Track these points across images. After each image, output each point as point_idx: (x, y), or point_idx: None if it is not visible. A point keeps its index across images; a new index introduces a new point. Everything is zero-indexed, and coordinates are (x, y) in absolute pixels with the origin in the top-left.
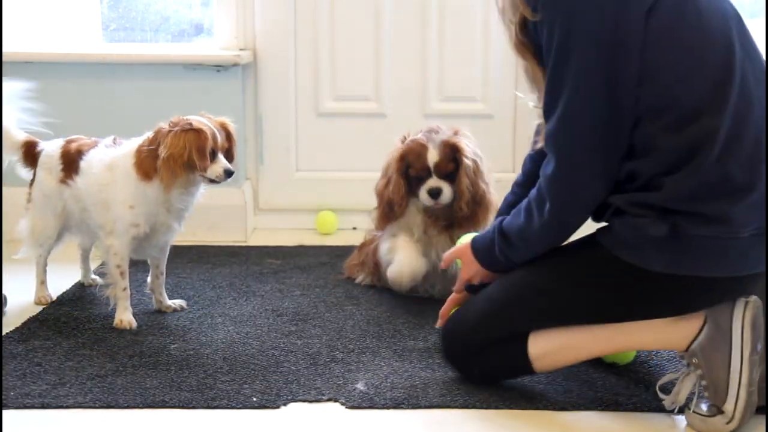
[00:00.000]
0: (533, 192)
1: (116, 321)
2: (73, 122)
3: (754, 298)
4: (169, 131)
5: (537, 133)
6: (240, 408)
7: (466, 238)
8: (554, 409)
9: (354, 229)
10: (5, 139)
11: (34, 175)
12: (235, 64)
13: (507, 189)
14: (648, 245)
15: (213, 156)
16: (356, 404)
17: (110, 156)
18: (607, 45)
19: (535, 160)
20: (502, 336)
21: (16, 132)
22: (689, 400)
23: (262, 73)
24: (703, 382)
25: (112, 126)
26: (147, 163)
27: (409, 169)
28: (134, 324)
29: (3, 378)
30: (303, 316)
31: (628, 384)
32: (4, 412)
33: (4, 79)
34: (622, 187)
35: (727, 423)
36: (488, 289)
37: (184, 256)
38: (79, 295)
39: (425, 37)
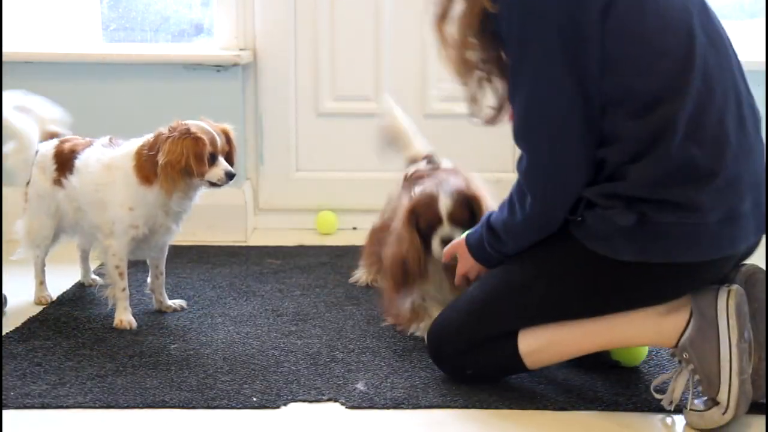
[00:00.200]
0: (514, 186)
1: (116, 321)
2: (73, 122)
3: (735, 286)
4: (168, 137)
5: None
6: (240, 408)
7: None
8: (554, 409)
9: (354, 229)
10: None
11: (30, 174)
12: (235, 64)
13: (507, 189)
14: (618, 235)
15: (213, 160)
16: (356, 404)
17: (109, 156)
18: (567, 36)
19: None
20: (489, 335)
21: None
22: (686, 398)
23: (262, 73)
24: (696, 377)
25: (112, 126)
26: (147, 167)
27: (419, 221)
28: (134, 324)
29: (3, 378)
30: (303, 316)
31: (628, 384)
32: (4, 412)
33: (5, 78)
34: (593, 178)
35: (723, 413)
36: (470, 289)
37: (184, 256)
38: (79, 295)
39: (425, 37)
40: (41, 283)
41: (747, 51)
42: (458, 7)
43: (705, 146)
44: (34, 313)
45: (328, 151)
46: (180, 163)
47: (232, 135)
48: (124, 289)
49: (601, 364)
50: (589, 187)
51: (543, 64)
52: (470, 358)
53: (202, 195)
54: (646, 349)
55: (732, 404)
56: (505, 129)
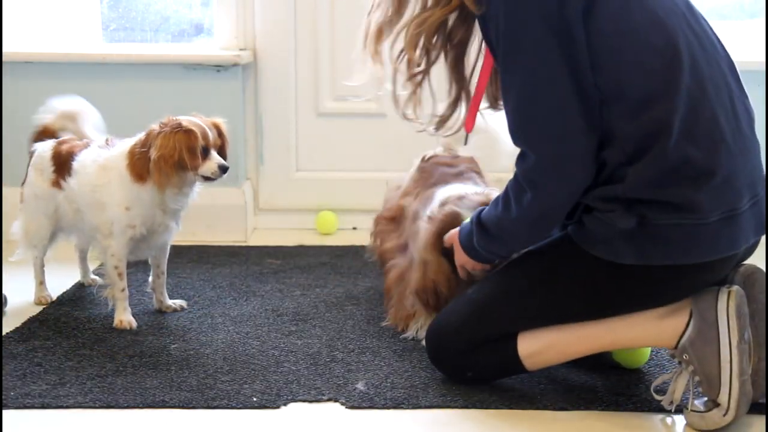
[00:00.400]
0: (510, 183)
1: (116, 321)
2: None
3: (735, 287)
4: (159, 132)
5: None
6: (240, 408)
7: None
8: (554, 409)
9: (354, 229)
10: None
11: (26, 175)
12: (235, 64)
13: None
14: (618, 238)
15: (206, 153)
16: (356, 404)
17: (104, 157)
18: (554, 31)
19: None
20: (488, 337)
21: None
22: (686, 399)
23: (262, 73)
24: (696, 378)
25: (112, 126)
26: (140, 165)
27: (445, 239)
28: (134, 324)
29: (3, 378)
30: (303, 316)
31: (628, 384)
32: (4, 412)
33: (5, 78)
34: (592, 181)
35: (724, 415)
36: (469, 291)
37: (184, 256)
38: (79, 295)
39: None
40: (41, 283)
41: (747, 51)
42: (411, 11)
43: (701, 145)
44: (34, 313)
45: (328, 151)
46: (173, 157)
47: (224, 128)
48: (123, 290)
49: (601, 365)
50: (587, 192)
51: (533, 61)
52: (469, 360)
53: (201, 194)
54: (648, 351)
55: (732, 406)
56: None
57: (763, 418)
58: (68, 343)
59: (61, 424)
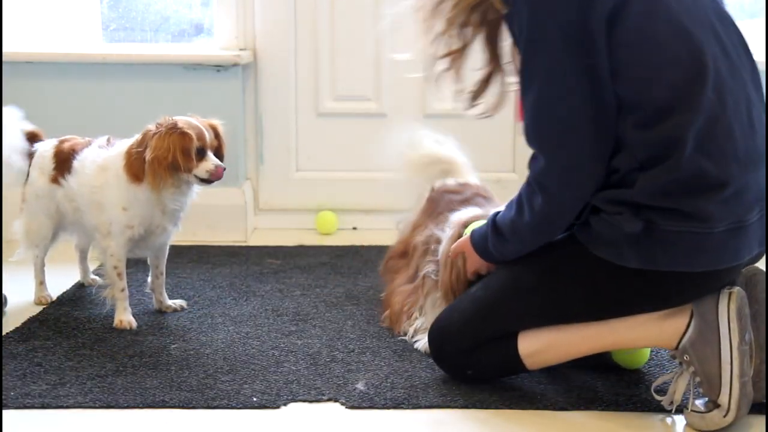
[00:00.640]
0: (524, 186)
1: (116, 321)
2: (73, 122)
3: (737, 288)
4: (155, 133)
5: None
6: (240, 408)
7: (471, 229)
8: (554, 409)
9: (354, 229)
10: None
11: (28, 174)
12: (235, 64)
13: (507, 189)
14: (624, 242)
15: (202, 154)
16: (356, 404)
17: (102, 157)
18: (577, 38)
19: None
20: (490, 336)
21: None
22: (686, 399)
23: (262, 73)
24: (697, 379)
25: (112, 126)
26: (136, 166)
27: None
28: (134, 324)
29: (3, 378)
30: (303, 316)
31: (628, 384)
32: (4, 412)
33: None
34: (603, 183)
35: (724, 416)
36: (472, 290)
37: (184, 256)
38: (79, 295)
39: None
40: (41, 283)
41: None
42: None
43: (714, 159)
44: (34, 313)
45: (328, 151)
46: (167, 159)
47: (221, 130)
48: (123, 290)
49: (601, 365)
50: (596, 192)
51: (553, 65)
52: (470, 358)
53: (201, 194)
54: (648, 352)
55: (733, 407)
56: (505, 129)
57: (763, 419)
58: (68, 343)
59: (61, 424)
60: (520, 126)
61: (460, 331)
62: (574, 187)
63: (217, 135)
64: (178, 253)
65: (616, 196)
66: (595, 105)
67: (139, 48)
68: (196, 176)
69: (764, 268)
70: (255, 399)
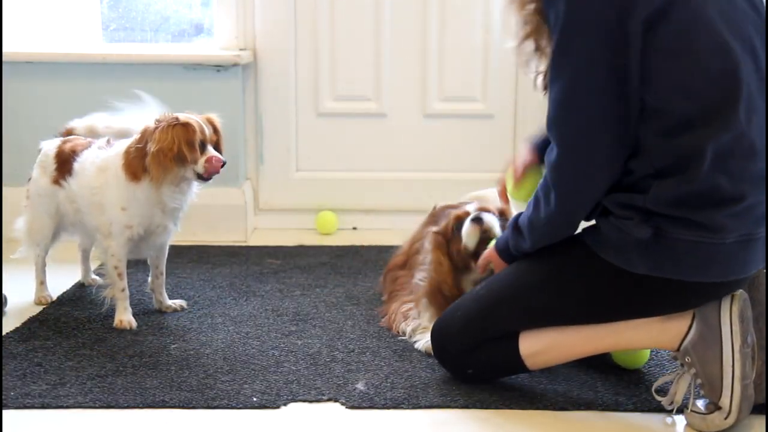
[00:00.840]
0: (541, 181)
1: (116, 321)
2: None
3: (739, 291)
4: (156, 127)
5: None
6: (240, 408)
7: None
8: (554, 409)
9: (354, 229)
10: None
11: (32, 172)
12: (235, 64)
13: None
14: (632, 247)
15: (203, 148)
16: (356, 404)
17: (101, 158)
18: (613, 36)
19: None
20: (492, 336)
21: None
22: (686, 399)
23: (262, 73)
24: (698, 380)
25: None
26: (135, 164)
27: (446, 230)
28: (134, 324)
29: (3, 378)
30: (303, 316)
31: (628, 384)
32: (4, 412)
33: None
34: (616, 184)
35: (726, 418)
36: (476, 289)
37: (184, 256)
38: (79, 295)
39: (425, 37)
40: (42, 282)
41: None
42: None
43: (732, 175)
44: (34, 313)
45: (328, 151)
46: (172, 150)
47: (218, 124)
48: (123, 290)
49: (601, 365)
50: (608, 194)
51: (581, 66)
52: (471, 357)
53: (201, 194)
54: (648, 352)
55: (734, 409)
56: (505, 129)
57: (763, 419)
58: (68, 343)
59: (61, 424)
60: (520, 126)
61: (463, 329)
62: (587, 183)
63: (215, 130)
64: (178, 253)
65: (628, 201)
66: (622, 105)
67: (139, 48)
68: (194, 171)
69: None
70: (255, 399)
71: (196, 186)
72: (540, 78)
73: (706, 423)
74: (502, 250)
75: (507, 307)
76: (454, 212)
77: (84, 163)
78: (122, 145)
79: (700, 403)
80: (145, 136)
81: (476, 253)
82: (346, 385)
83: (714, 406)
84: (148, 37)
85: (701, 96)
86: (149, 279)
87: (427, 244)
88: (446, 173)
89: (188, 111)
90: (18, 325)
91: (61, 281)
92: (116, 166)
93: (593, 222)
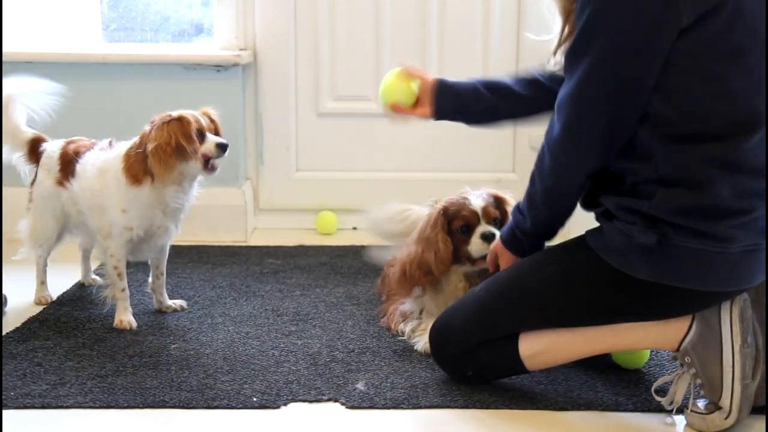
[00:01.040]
0: (536, 159)
1: (116, 321)
2: (73, 122)
3: None
4: (152, 128)
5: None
6: (240, 408)
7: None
8: (554, 409)
9: (354, 229)
10: (12, 135)
11: (36, 175)
12: (235, 64)
13: (507, 189)
14: (635, 252)
15: (202, 137)
16: (356, 404)
17: (102, 160)
18: (633, 48)
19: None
20: (492, 337)
21: (24, 128)
22: (686, 399)
23: (262, 73)
24: (698, 380)
25: (112, 126)
26: (135, 167)
27: (453, 223)
28: (134, 324)
29: (3, 378)
30: (303, 316)
31: (628, 384)
32: (4, 412)
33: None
34: (617, 185)
35: (726, 418)
36: (476, 290)
37: (184, 256)
38: (79, 295)
39: (425, 37)
40: (42, 282)
41: None
42: None
43: (739, 191)
44: (34, 313)
45: (328, 151)
46: (170, 144)
47: (214, 114)
48: (123, 290)
49: (601, 365)
50: (611, 196)
51: (601, 63)
52: (471, 358)
53: (201, 194)
54: (648, 352)
55: (734, 409)
56: (504, 130)
57: (763, 420)
58: (68, 343)
59: (61, 424)
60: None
61: (462, 331)
62: (576, 167)
63: (211, 120)
64: (178, 253)
65: (632, 205)
66: (626, 106)
67: (139, 48)
68: (201, 156)
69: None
70: (255, 399)
71: (197, 187)
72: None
73: (706, 423)
74: (508, 241)
75: (508, 309)
76: (463, 211)
77: (85, 164)
78: (122, 148)
79: (700, 403)
80: (144, 139)
81: (474, 258)
82: (346, 385)
83: (714, 406)
84: (148, 37)
85: (719, 116)
86: (149, 279)
87: (427, 220)
88: (446, 173)
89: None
90: (18, 325)
91: (61, 281)
92: (116, 169)
93: (597, 225)
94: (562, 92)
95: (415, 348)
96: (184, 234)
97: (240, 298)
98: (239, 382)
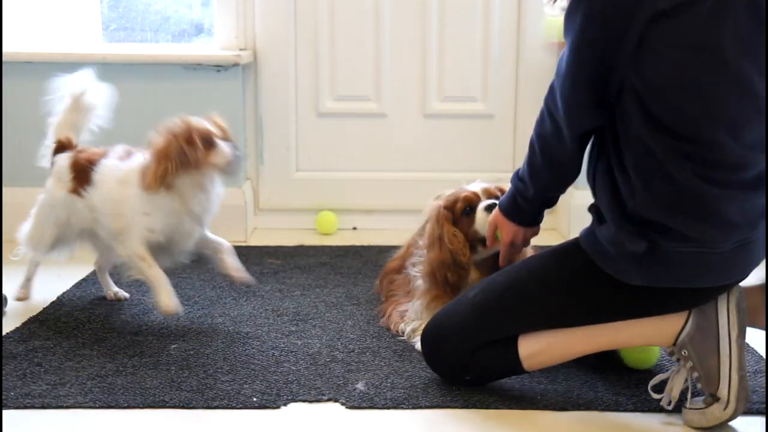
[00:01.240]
0: (537, 118)
1: (162, 306)
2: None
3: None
4: (156, 137)
5: None
6: (240, 408)
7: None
8: (554, 409)
9: (354, 229)
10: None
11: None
12: (235, 64)
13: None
14: (627, 259)
15: (211, 144)
16: (356, 404)
17: (122, 170)
18: (605, 34)
19: None
20: (488, 340)
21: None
22: (684, 397)
23: (262, 73)
24: (695, 374)
25: (112, 126)
26: (153, 179)
27: (456, 209)
28: (180, 309)
29: (3, 378)
30: (303, 316)
31: (628, 384)
32: (4, 412)
33: (5, 78)
34: (619, 184)
35: (725, 409)
36: (470, 294)
37: None
38: (79, 295)
39: (425, 37)
40: (28, 280)
41: None
42: None
43: (718, 185)
44: (34, 313)
45: (328, 151)
46: (172, 151)
47: (219, 120)
48: (159, 275)
49: (601, 364)
50: (605, 198)
51: (580, 40)
52: (468, 362)
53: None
54: (658, 351)
55: (732, 399)
56: (505, 129)
57: (762, 418)
58: (68, 343)
59: (61, 424)
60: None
61: (458, 334)
62: (571, 123)
63: (218, 125)
64: None
65: (622, 210)
66: (600, 89)
67: (139, 48)
68: (215, 165)
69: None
70: (255, 399)
71: (219, 185)
72: None
73: (706, 417)
74: (509, 210)
75: (505, 312)
76: (462, 194)
77: (104, 174)
78: (140, 159)
79: (698, 399)
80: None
81: (485, 238)
82: (346, 385)
83: (712, 398)
84: (148, 37)
85: (699, 129)
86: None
87: (430, 220)
88: (446, 173)
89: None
90: (18, 325)
91: (61, 281)
92: (136, 183)
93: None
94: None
95: (415, 348)
96: None
97: (240, 298)
98: (239, 382)
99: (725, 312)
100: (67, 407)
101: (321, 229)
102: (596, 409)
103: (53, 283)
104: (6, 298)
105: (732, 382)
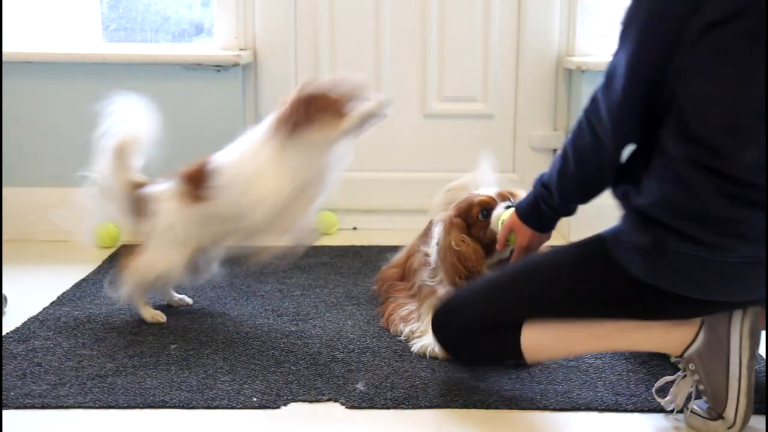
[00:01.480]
0: (568, 136)
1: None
2: (73, 122)
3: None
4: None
5: None
6: (240, 408)
7: (506, 214)
8: (554, 409)
9: (354, 229)
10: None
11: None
12: (235, 64)
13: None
14: (635, 250)
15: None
16: (356, 404)
17: (246, 150)
18: (661, 35)
19: None
20: (495, 318)
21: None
22: (687, 400)
23: (262, 73)
24: (701, 387)
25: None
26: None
27: (471, 213)
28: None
29: (3, 378)
30: (303, 316)
31: (628, 384)
32: (4, 412)
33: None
34: (633, 180)
35: (729, 428)
36: (489, 276)
37: None
38: (79, 295)
39: (425, 37)
40: (145, 304)
41: None
42: None
43: (733, 198)
44: (34, 313)
45: None
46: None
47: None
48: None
49: (601, 364)
50: (621, 187)
51: (636, 45)
52: (470, 339)
53: None
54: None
55: (739, 421)
56: (505, 129)
57: (763, 419)
58: (68, 343)
59: (61, 424)
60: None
61: (469, 307)
62: (616, 135)
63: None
64: None
65: (633, 201)
66: (646, 96)
67: (139, 48)
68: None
69: None
70: (255, 399)
71: (344, 147)
72: None
73: (708, 428)
74: (529, 214)
75: (516, 292)
76: (477, 198)
77: (223, 169)
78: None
79: (702, 405)
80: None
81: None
82: (346, 385)
83: (717, 414)
84: (148, 37)
85: (721, 133)
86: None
87: (440, 230)
88: (446, 173)
89: (191, 112)
90: (18, 325)
91: (61, 281)
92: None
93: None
94: (610, 64)
95: (412, 349)
96: None
97: (240, 298)
98: (239, 382)
99: (738, 335)
100: (67, 407)
101: (321, 229)
102: (596, 409)
103: (53, 282)
104: (6, 298)
105: (740, 406)
